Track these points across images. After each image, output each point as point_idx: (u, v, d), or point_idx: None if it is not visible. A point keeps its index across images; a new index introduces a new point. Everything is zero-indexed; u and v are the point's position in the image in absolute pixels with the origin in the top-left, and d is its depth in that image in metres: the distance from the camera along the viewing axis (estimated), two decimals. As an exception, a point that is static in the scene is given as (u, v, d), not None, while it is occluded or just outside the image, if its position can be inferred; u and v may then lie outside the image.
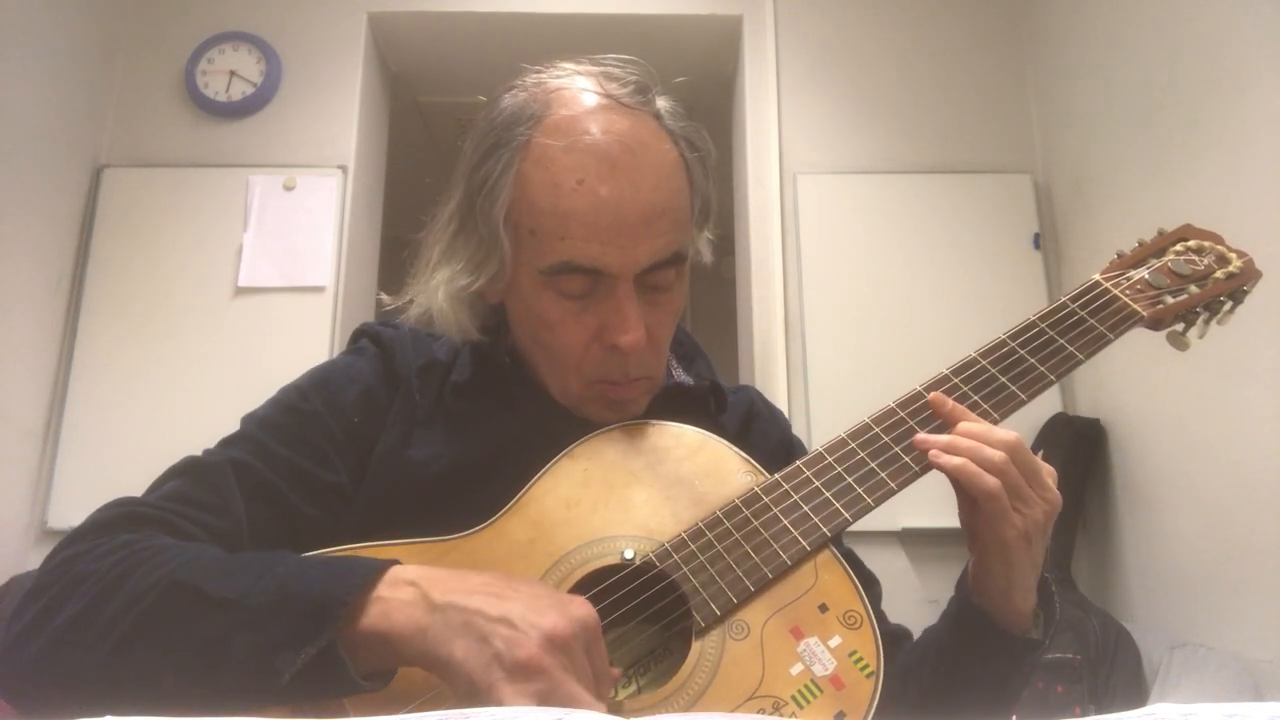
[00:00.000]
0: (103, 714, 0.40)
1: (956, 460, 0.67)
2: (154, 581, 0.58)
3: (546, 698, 0.51)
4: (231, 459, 0.72)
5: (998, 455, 0.67)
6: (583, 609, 0.56)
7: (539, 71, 0.79)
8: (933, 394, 0.72)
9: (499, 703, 0.51)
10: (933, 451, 0.69)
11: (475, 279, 0.76)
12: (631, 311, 0.72)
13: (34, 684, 0.59)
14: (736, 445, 0.75)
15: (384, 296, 0.86)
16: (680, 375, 0.87)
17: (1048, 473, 0.69)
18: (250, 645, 0.55)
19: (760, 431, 0.88)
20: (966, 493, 0.68)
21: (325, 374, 0.81)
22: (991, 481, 0.66)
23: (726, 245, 2.92)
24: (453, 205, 0.79)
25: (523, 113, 0.74)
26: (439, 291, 0.78)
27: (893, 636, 0.82)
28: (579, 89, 0.75)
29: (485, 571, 0.60)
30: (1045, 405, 2.25)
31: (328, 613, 0.55)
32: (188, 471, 0.72)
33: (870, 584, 0.82)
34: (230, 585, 0.58)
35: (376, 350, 0.83)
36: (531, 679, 0.51)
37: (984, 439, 0.68)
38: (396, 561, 0.60)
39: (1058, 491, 0.69)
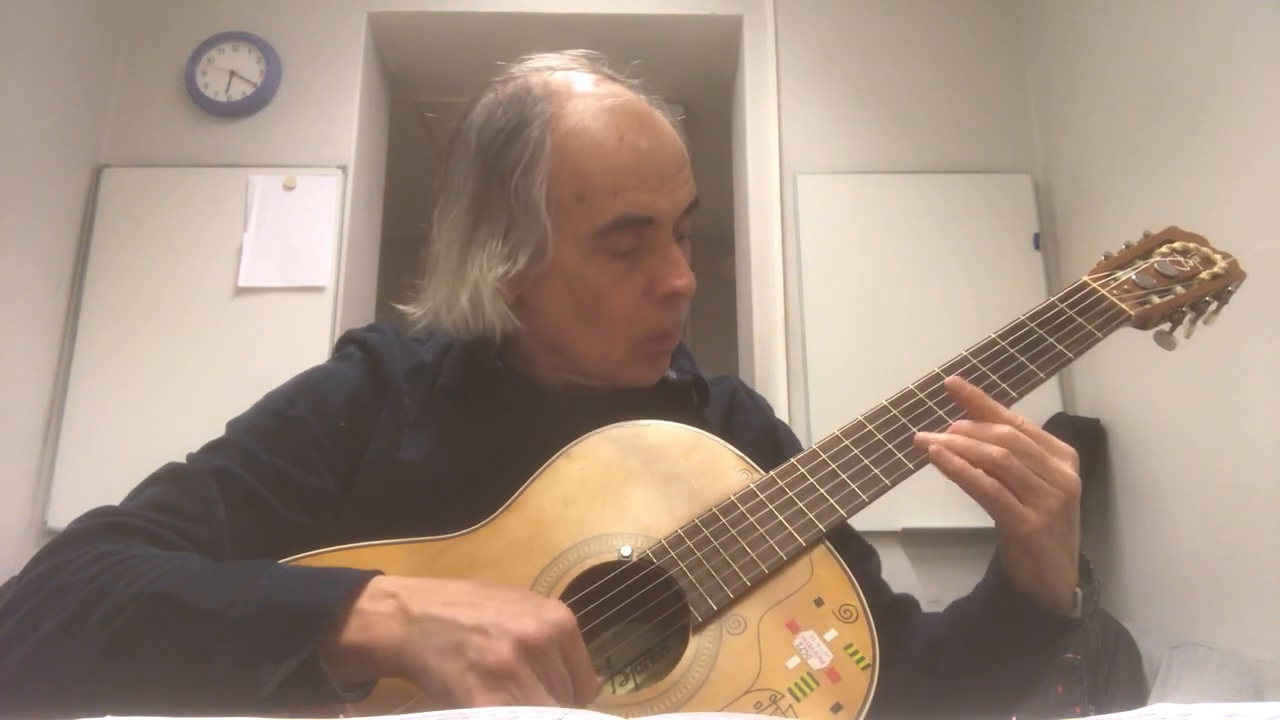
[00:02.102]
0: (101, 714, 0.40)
1: (955, 463, 0.66)
2: (136, 592, 0.58)
3: (518, 704, 0.51)
4: (215, 467, 0.71)
5: (995, 451, 0.65)
6: (558, 612, 0.56)
7: (514, 65, 0.81)
8: (951, 378, 0.70)
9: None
10: (933, 449, 0.67)
11: (513, 264, 0.75)
12: (679, 256, 0.77)
13: (14, 695, 0.58)
14: (719, 437, 0.75)
15: (402, 307, 0.83)
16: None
17: (1062, 454, 0.67)
18: (232, 657, 0.55)
19: (743, 422, 0.89)
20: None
21: (312, 380, 0.80)
22: (988, 484, 0.64)
23: (726, 245, 2.92)
24: (464, 203, 0.78)
25: (529, 96, 0.76)
26: (482, 282, 0.76)
27: (899, 605, 0.82)
28: (568, 68, 0.79)
29: (466, 579, 0.60)
30: (1045, 405, 2.26)
31: (310, 625, 0.55)
32: (169, 479, 0.71)
33: (868, 555, 0.84)
34: (213, 596, 0.57)
35: (363, 356, 0.82)
36: (503, 685, 0.51)
37: (980, 434, 0.66)
38: (379, 572, 0.59)
39: (1074, 474, 0.66)
